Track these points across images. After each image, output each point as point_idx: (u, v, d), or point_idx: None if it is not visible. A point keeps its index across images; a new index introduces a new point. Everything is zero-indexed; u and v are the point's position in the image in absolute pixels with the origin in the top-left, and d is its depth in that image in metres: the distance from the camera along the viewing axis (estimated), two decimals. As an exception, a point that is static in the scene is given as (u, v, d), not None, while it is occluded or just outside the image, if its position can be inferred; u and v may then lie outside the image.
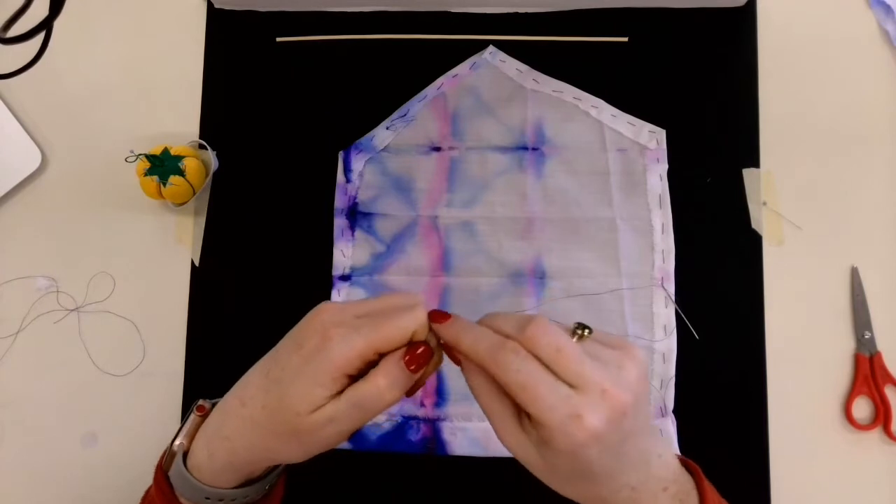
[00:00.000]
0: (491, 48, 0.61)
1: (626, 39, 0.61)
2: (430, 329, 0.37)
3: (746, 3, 0.60)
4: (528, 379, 0.32)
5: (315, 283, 0.58)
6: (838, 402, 0.57)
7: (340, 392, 0.35)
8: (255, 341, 0.58)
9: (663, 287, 0.57)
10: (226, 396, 0.39)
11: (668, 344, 0.56)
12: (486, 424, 0.56)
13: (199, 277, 0.59)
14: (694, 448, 0.55)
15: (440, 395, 0.57)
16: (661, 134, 0.59)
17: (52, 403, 0.59)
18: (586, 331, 0.34)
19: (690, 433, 0.56)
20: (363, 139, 0.60)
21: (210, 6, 0.63)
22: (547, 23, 0.61)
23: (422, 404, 0.57)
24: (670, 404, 0.56)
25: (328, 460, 0.56)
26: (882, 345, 0.57)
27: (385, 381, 0.35)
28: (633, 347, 0.34)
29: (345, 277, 0.59)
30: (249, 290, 0.59)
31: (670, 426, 0.55)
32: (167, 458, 0.40)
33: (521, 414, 0.34)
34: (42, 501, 0.58)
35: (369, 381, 0.35)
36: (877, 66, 0.61)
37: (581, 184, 0.59)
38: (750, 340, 0.57)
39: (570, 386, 0.32)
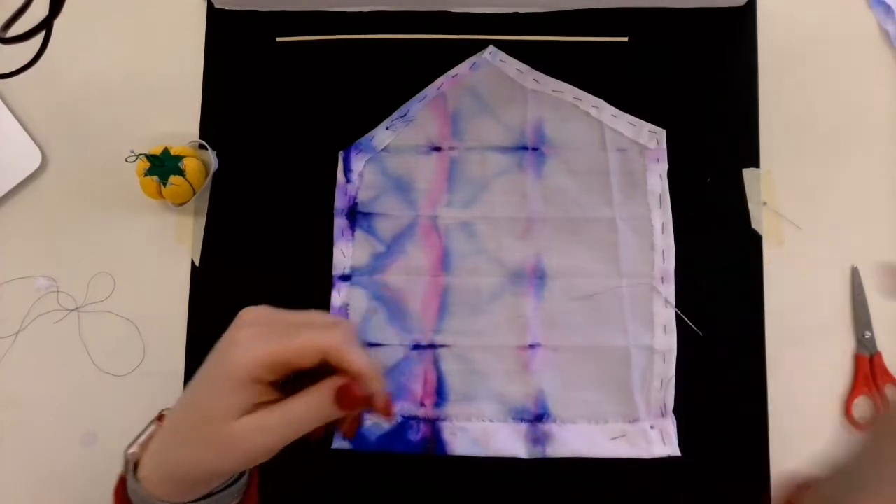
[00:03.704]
0: (491, 48, 0.61)
1: (626, 39, 0.61)
2: (359, 372, 0.34)
3: (746, 3, 0.60)
4: None
5: (315, 284, 0.58)
6: (838, 402, 0.57)
7: (270, 402, 0.34)
8: (255, 341, 0.58)
9: (660, 289, 0.57)
10: None
11: (668, 344, 0.56)
12: (486, 424, 0.56)
13: (199, 277, 0.59)
14: (694, 448, 0.55)
15: (440, 395, 0.57)
16: (662, 134, 0.59)
17: (52, 403, 0.59)
18: None
19: (690, 433, 0.56)
20: (363, 139, 0.60)
21: (210, 6, 0.63)
22: (547, 23, 0.61)
23: (422, 404, 0.57)
24: (670, 404, 0.56)
25: (328, 460, 0.56)
26: (882, 345, 0.57)
27: (313, 406, 0.34)
28: None
29: (345, 277, 0.59)
30: (250, 290, 0.59)
31: (670, 426, 0.55)
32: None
33: None
34: (42, 501, 0.58)
35: (298, 400, 0.34)
36: (877, 66, 0.61)
37: (581, 184, 0.59)
38: (750, 340, 0.57)
39: None
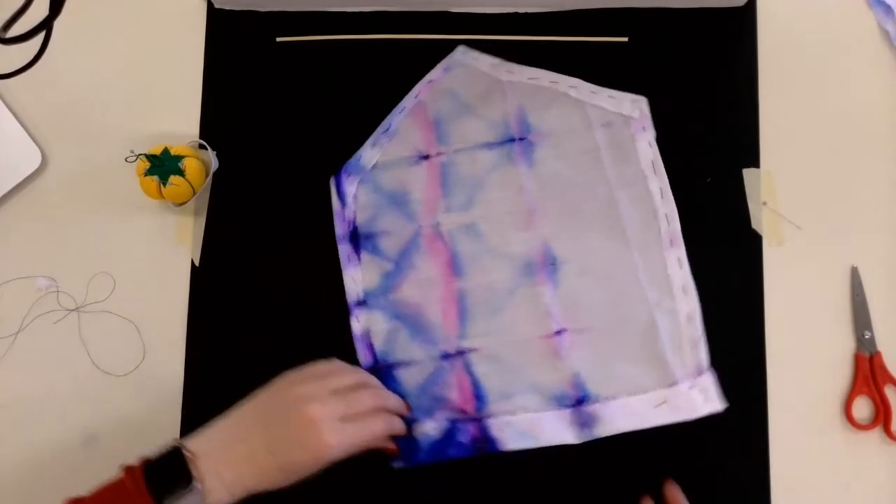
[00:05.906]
0: (461, 47, 0.61)
1: (626, 39, 0.61)
2: None
3: (746, 3, 0.60)
4: None
5: (317, 280, 0.58)
6: (838, 402, 0.57)
7: None
8: (255, 341, 0.58)
9: (671, 251, 0.57)
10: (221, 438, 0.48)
11: (689, 304, 0.56)
12: (531, 414, 0.55)
13: (199, 277, 0.59)
14: (694, 447, 0.55)
15: (479, 399, 0.56)
16: (643, 102, 0.59)
17: (52, 403, 0.59)
18: None
19: (690, 433, 0.55)
20: (351, 161, 0.60)
21: (210, 6, 0.63)
22: (547, 23, 0.61)
23: (462, 411, 0.55)
24: (705, 361, 0.55)
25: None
26: (882, 345, 0.57)
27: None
28: None
29: (361, 303, 0.58)
30: (250, 290, 0.59)
31: (708, 381, 0.55)
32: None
33: None
34: (42, 501, 0.58)
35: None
36: (877, 66, 0.61)
37: (573, 165, 0.58)
38: (750, 340, 0.57)
39: None
